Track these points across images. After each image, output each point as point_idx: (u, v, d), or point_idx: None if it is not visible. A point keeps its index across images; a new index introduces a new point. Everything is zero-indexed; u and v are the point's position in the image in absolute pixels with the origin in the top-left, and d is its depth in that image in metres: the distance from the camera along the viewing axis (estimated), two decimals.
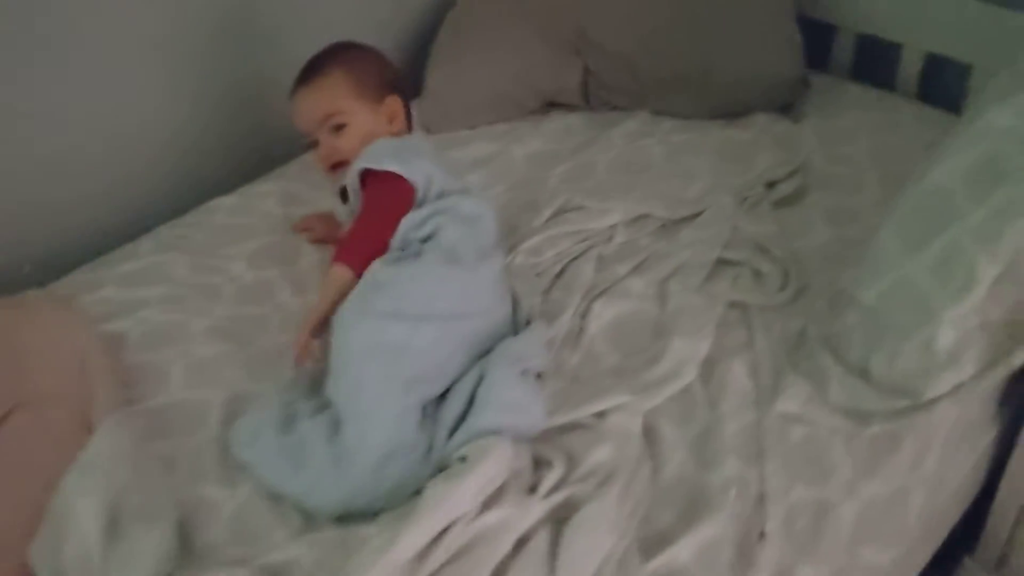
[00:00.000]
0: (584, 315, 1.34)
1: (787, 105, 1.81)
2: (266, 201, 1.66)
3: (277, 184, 1.70)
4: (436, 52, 1.87)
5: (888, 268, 1.08)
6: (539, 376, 1.22)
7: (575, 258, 1.44)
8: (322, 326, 1.22)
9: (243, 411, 1.20)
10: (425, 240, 1.29)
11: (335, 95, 1.37)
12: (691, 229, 1.49)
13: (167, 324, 1.37)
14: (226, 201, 1.66)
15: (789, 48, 1.78)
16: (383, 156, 1.30)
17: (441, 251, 1.27)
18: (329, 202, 1.51)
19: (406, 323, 1.16)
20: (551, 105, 1.88)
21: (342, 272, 1.23)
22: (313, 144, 1.41)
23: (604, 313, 1.34)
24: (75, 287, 1.46)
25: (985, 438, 1.40)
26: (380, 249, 1.26)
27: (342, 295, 1.20)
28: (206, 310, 1.40)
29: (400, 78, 1.47)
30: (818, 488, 1.12)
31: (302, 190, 1.67)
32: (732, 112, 1.80)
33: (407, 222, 1.27)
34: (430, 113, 1.85)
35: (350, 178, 1.31)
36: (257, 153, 1.79)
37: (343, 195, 1.37)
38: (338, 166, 1.38)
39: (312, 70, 1.40)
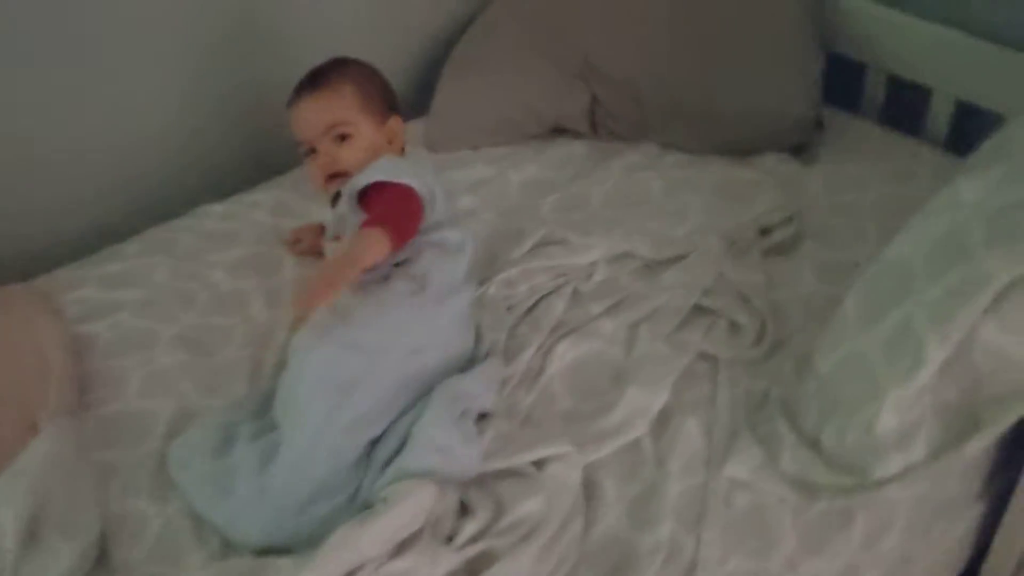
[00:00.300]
0: (547, 353, 1.32)
1: (800, 146, 1.75)
2: (256, 211, 1.67)
3: (270, 194, 1.71)
4: (446, 73, 1.86)
5: (844, 338, 1.03)
6: (485, 416, 1.20)
7: (549, 293, 1.42)
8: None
9: (187, 427, 1.21)
10: (397, 264, 1.28)
11: (343, 105, 1.37)
12: (674, 271, 1.45)
13: (137, 330, 1.39)
14: (217, 208, 1.68)
15: (805, 84, 1.73)
16: (398, 171, 1.28)
17: (410, 278, 1.26)
18: (321, 215, 1.52)
19: (363, 356, 1.15)
20: (557, 131, 1.86)
21: (380, 236, 1.17)
22: (308, 152, 1.39)
23: (567, 353, 1.31)
24: (58, 284, 1.49)
25: (969, 514, 1.33)
26: (413, 233, 1.26)
27: (375, 262, 1.18)
28: (177, 317, 1.42)
29: (398, 101, 1.47)
30: (757, 560, 1.08)
31: (294, 201, 1.68)
32: (739, 149, 1.75)
33: None
34: (435, 132, 1.84)
35: (350, 187, 1.29)
36: (253, 160, 1.80)
37: (334, 200, 1.36)
38: (335, 177, 1.37)
39: (319, 78, 1.40)
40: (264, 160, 1.79)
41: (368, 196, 1.28)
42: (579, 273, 1.46)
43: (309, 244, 1.53)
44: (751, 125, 1.73)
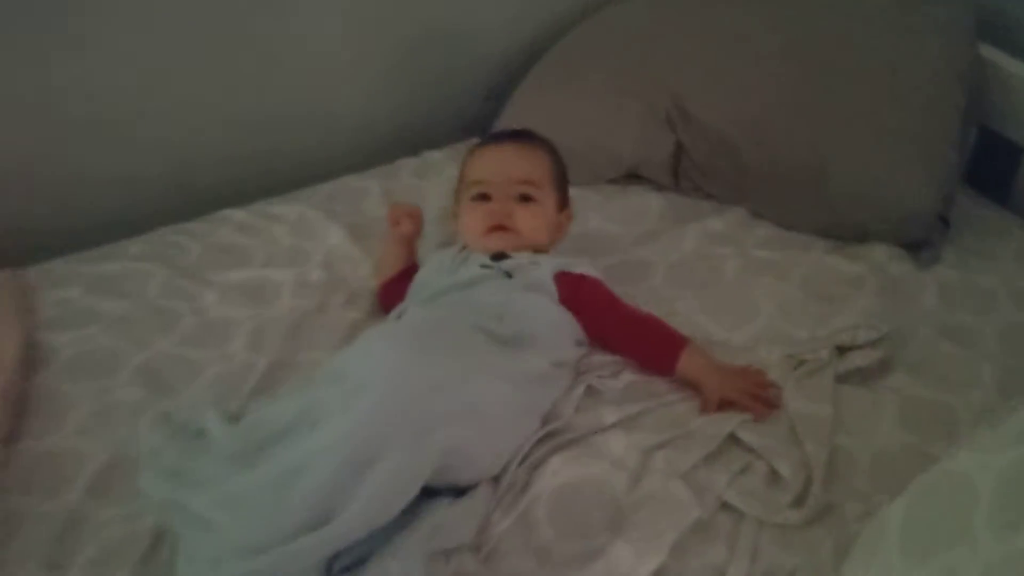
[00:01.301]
0: (536, 467, 1.11)
1: (919, 242, 1.45)
2: (276, 225, 1.53)
3: (294, 208, 1.56)
4: (516, 97, 1.66)
5: (878, 567, 0.77)
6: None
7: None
8: None
9: (111, 483, 1.08)
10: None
11: (543, 170, 1.36)
12: None
13: (102, 351, 1.27)
14: (238, 215, 1.55)
15: (934, 170, 1.43)
16: (592, 267, 1.32)
17: None
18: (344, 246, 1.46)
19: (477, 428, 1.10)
20: (634, 178, 1.62)
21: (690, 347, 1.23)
22: (478, 197, 1.34)
23: (560, 472, 1.10)
24: (47, 278, 1.40)
25: None
26: None
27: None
28: (149, 342, 1.29)
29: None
30: None
31: (318, 219, 1.53)
32: (845, 234, 1.47)
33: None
34: None
35: (557, 265, 1.28)
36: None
37: (495, 258, 1.31)
38: (498, 230, 1.31)
39: (523, 135, 1.40)
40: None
41: (579, 285, 1.27)
42: (603, 366, 1.24)
43: (408, 231, 1.42)
44: (860, 209, 1.45)
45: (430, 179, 1.66)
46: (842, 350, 1.25)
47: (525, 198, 1.32)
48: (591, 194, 1.59)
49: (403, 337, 1.10)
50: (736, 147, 1.51)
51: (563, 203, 1.39)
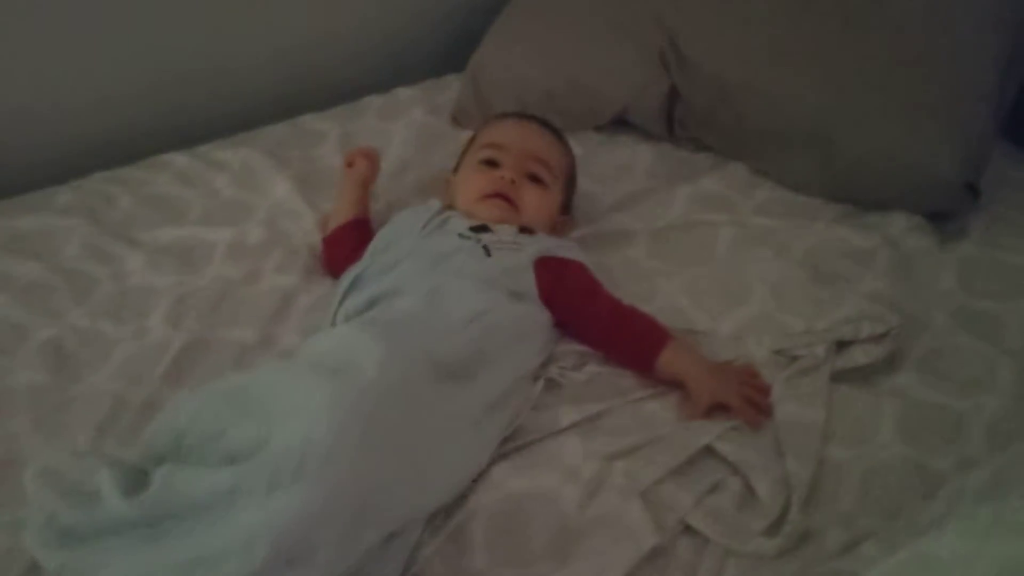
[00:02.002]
0: (478, 476, 0.98)
1: (943, 212, 1.28)
2: (219, 175, 1.39)
3: (238, 153, 1.42)
4: (494, 29, 1.47)
5: None
6: None
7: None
8: None
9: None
10: None
11: (562, 162, 1.27)
12: None
13: (7, 322, 1.16)
14: (179, 160, 1.41)
15: (960, 131, 1.24)
16: (582, 254, 1.20)
17: None
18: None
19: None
20: (622, 125, 1.45)
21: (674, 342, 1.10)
22: (487, 163, 1.23)
23: (504, 483, 0.98)
24: None
25: None
26: None
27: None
28: (61, 313, 1.18)
29: None
30: None
31: (265, 167, 1.39)
32: (860, 198, 1.30)
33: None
34: (467, 102, 1.48)
35: (542, 247, 1.16)
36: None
37: (478, 230, 1.17)
38: (497, 198, 1.19)
39: (552, 126, 1.30)
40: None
41: (561, 273, 1.14)
42: (566, 356, 1.10)
43: (363, 172, 1.30)
44: (878, 174, 1.27)
45: (396, 121, 1.50)
46: (842, 344, 1.10)
47: (536, 179, 1.21)
48: (572, 143, 1.42)
49: (347, 406, 0.87)
50: (735, 94, 1.33)
51: (566, 207, 1.28)
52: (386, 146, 1.43)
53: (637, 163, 1.41)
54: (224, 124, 1.49)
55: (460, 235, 1.13)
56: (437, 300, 1.04)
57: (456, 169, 1.28)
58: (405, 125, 1.48)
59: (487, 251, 1.11)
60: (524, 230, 1.17)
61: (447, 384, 0.95)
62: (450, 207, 1.22)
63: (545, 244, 1.15)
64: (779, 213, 1.31)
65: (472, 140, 1.29)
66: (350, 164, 1.30)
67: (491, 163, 1.21)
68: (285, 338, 1.16)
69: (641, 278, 1.21)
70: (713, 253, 1.25)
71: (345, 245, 1.22)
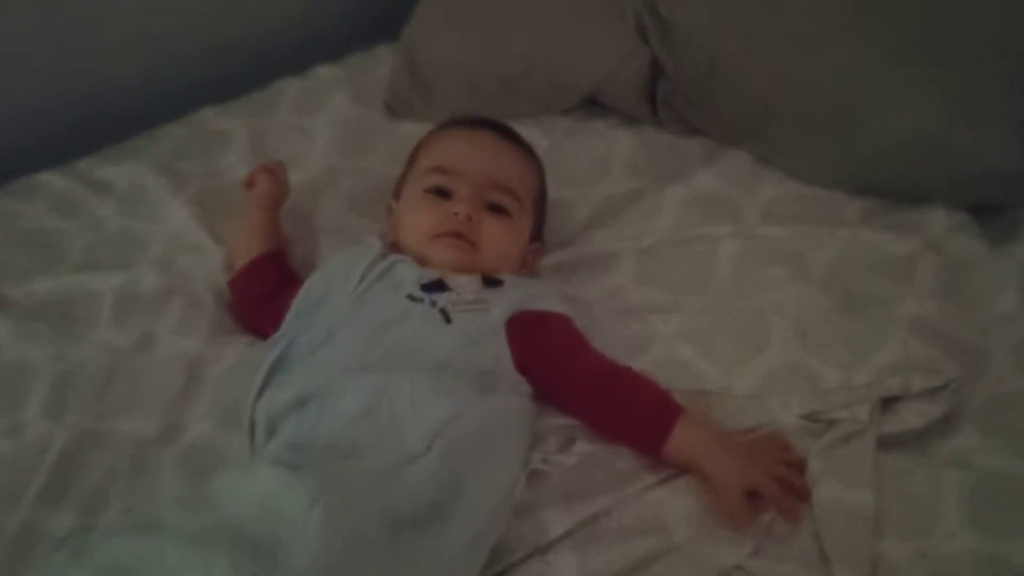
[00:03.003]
0: None
1: (995, 206, 1.07)
2: (104, 200, 1.15)
3: (128, 170, 1.18)
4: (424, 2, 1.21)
5: None
6: None
7: None
8: None
9: None
10: None
11: (529, 184, 1.05)
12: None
13: None
14: (55, 183, 1.18)
15: (1019, 113, 1.03)
16: (560, 302, 0.97)
17: None
18: None
19: None
20: (595, 107, 1.21)
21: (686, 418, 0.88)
22: (432, 191, 1.00)
23: None
24: None
25: None
26: None
27: None
28: None
29: None
30: None
31: (157, 189, 1.14)
32: (890, 190, 1.09)
33: None
34: (401, 86, 1.23)
35: (516, 300, 0.93)
36: None
37: (431, 288, 0.93)
38: (451, 239, 0.97)
39: (514, 136, 1.08)
40: None
41: (538, 331, 0.92)
42: (549, 434, 0.90)
43: (266, 196, 1.07)
44: (911, 160, 1.06)
45: (317, 115, 1.25)
46: (887, 400, 0.90)
47: (497, 209, 0.99)
48: (535, 133, 1.19)
49: None
50: (731, 66, 1.12)
51: (536, 233, 1.07)
52: (307, 150, 1.20)
53: (615, 155, 1.18)
54: (105, 130, 1.22)
55: (410, 296, 0.90)
56: (387, 408, 0.81)
57: (397, 193, 1.05)
58: (328, 119, 1.24)
59: (445, 316, 0.89)
60: (489, 281, 0.94)
61: (409, 537, 0.73)
62: (394, 245, 0.99)
63: (517, 295, 0.93)
64: (792, 215, 1.09)
65: (415, 156, 1.06)
66: (251, 184, 1.07)
67: (441, 192, 0.98)
68: (194, 426, 0.93)
69: (630, 317, 0.99)
70: (715, 276, 1.04)
71: (257, 290, 1.00)
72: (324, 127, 1.22)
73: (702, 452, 0.85)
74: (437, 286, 0.91)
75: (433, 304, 0.89)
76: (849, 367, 0.93)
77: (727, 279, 1.03)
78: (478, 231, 0.97)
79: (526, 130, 1.17)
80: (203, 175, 1.17)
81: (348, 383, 0.82)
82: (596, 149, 1.18)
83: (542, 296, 0.94)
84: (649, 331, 0.98)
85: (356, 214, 1.10)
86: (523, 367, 0.89)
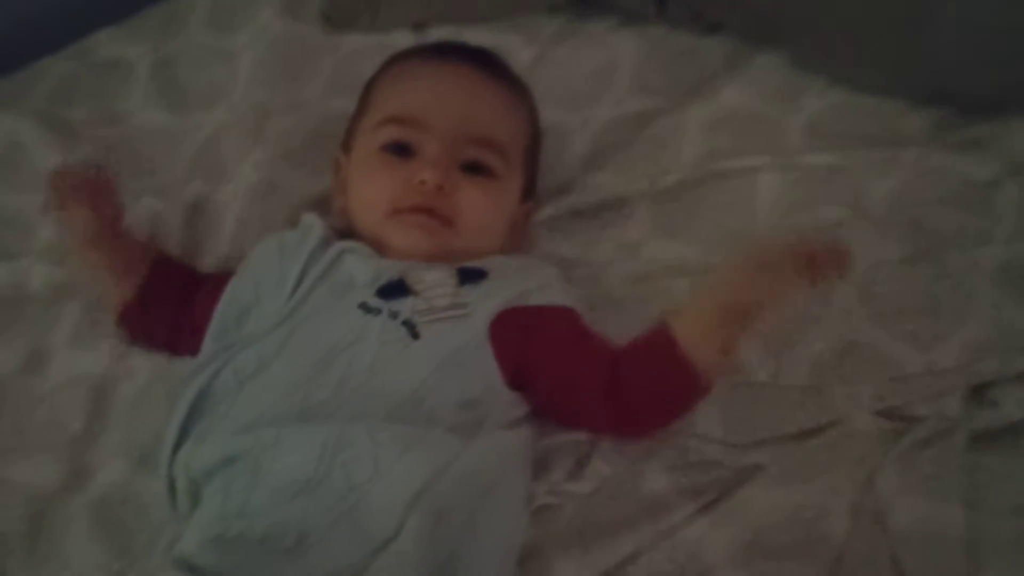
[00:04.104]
0: None
1: None
2: None
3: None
4: None
5: None
6: None
7: None
8: None
9: None
10: None
11: (517, 133, 0.84)
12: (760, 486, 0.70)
13: None
14: None
15: None
16: (563, 291, 0.78)
17: None
18: None
19: None
20: (588, 2, 0.98)
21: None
22: (394, 148, 0.79)
23: None
24: None
25: None
26: None
27: None
28: None
29: None
30: None
31: (40, 144, 0.92)
32: (964, 100, 0.88)
33: None
34: None
35: (479, 316, 0.72)
36: None
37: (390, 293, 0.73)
38: (421, 215, 0.77)
39: (499, 66, 0.87)
40: None
41: (531, 328, 0.73)
42: (558, 456, 0.73)
43: (85, 227, 0.77)
44: (992, 59, 0.85)
45: (237, 32, 1.03)
46: (979, 385, 0.73)
47: (477, 168, 0.79)
48: (514, 42, 0.97)
49: None
50: None
51: (527, 191, 0.86)
52: (227, 81, 0.98)
53: (619, 65, 0.96)
54: None
55: (364, 306, 0.71)
56: (341, 476, 0.62)
57: (347, 144, 0.84)
58: (253, 38, 1.01)
59: (412, 331, 0.69)
60: (468, 274, 0.74)
61: None
62: (345, 228, 0.80)
63: (506, 288, 0.73)
64: (842, 134, 0.89)
65: (366, 98, 0.85)
66: (62, 206, 0.78)
67: (402, 150, 0.78)
68: (104, 469, 0.76)
69: (648, 288, 0.81)
70: (753, 222, 0.85)
71: (161, 321, 0.79)
72: (248, 48, 1.00)
73: (721, 306, 0.67)
74: (398, 289, 0.71)
75: (394, 315, 0.70)
76: (931, 344, 0.75)
77: (767, 225, 0.84)
78: (453, 202, 0.77)
79: (503, 38, 0.98)
80: (99, 122, 0.95)
81: (287, 437, 0.63)
82: (593, 59, 0.97)
83: (539, 286, 0.75)
84: (673, 301, 0.79)
85: (292, 166, 0.89)
86: (517, 382, 0.71)
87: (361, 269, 0.73)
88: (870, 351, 0.75)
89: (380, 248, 0.76)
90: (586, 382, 0.71)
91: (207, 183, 0.90)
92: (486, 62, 0.84)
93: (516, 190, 0.82)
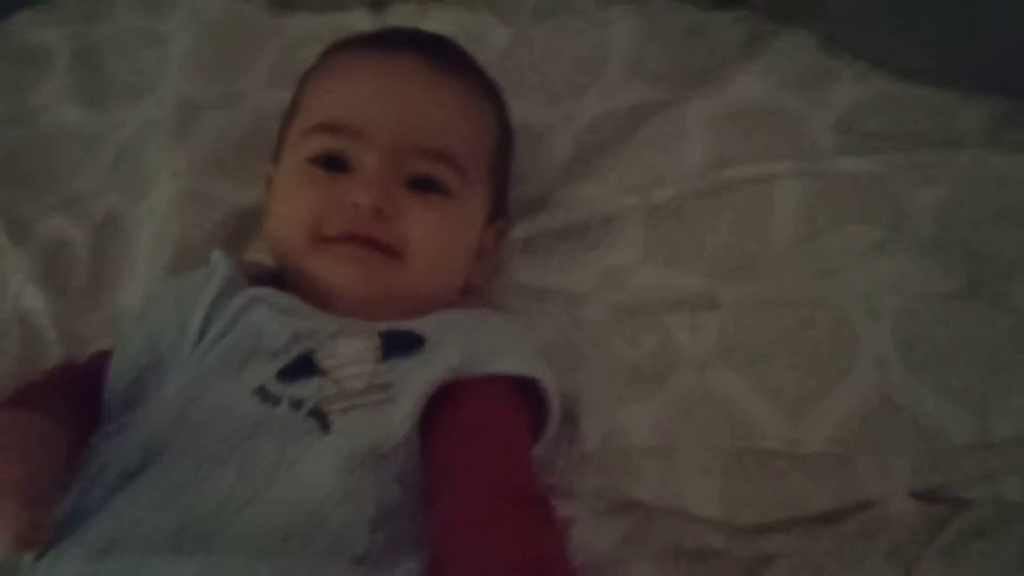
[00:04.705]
0: None
1: None
2: None
3: None
4: None
5: None
6: None
7: None
8: None
9: None
10: None
11: (475, 138, 0.70)
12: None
13: None
14: None
15: None
16: (529, 355, 0.63)
17: None
18: None
19: None
20: None
21: None
22: (323, 160, 0.66)
23: None
24: None
25: None
26: None
27: None
28: None
29: None
30: None
31: None
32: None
33: None
34: None
35: (422, 375, 0.58)
36: None
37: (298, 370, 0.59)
38: (355, 245, 0.63)
39: (453, 54, 0.73)
40: None
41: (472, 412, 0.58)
42: None
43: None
44: None
45: (169, 15, 0.90)
46: None
47: (427, 185, 0.66)
48: (487, 22, 0.86)
49: None
50: None
51: (496, 207, 0.74)
52: (156, 69, 0.87)
53: (610, 49, 0.82)
54: None
55: (261, 392, 0.56)
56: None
57: (277, 156, 0.72)
58: (186, 19, 0.89)
59: (322, 422, 0.55)
60: (395, 341, 0.59)
61: None
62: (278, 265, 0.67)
63: (447, 357, 0.58)
64: (881, 133, 0.75)
65: (297, 98, 0.72)
66: None
67: (334, 163, 0.66)
68: None
69: (639, 322, 0.68)
70: (769, 244, 0.71)
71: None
72: (181, 31, 0.87)
73: None
74: (303, 368, 0.57)
75: (297, 405, 0.56)
76: (986, 408, 0.61)
77: (787, 249, 0.71)
78: (399, 229, 0.64)
79: (474, 18, 0.85)
80: (8, 121, 0.84)
81: (149, 571, 0.49)
82: (580, 41, 0.83)
83: (491, 350, 0.60)
84: (669, 346, 0.66)
85: (220, 174, 0.77)
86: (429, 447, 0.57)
87: (271, 328, 0.59)
88: (908, 415, 0.61)
89: (308, 291, 0.63)
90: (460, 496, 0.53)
91: (123, 195, 0.78)
92: (441, 52, 0.70)
93: (479, 209, 0.69)
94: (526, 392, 0.62)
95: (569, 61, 0.82)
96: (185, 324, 0.61)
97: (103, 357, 0.63)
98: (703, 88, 0.79)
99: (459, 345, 0.59)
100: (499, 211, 0.73)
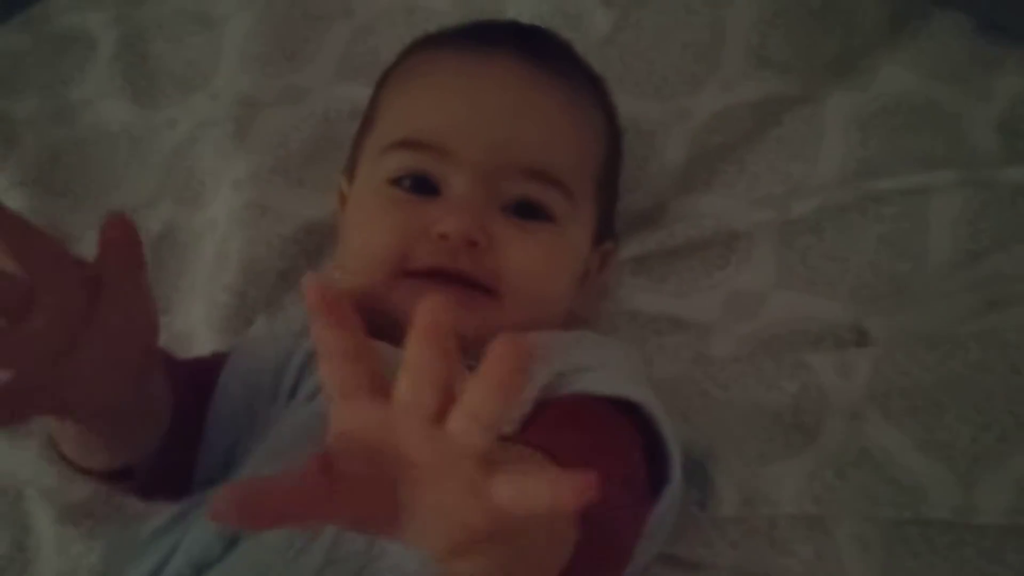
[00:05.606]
0: None
1: None
2: None
3: None
4: None
5: None
6: None
7: None
8: None
9: None
10: None
11: (582, 154, 0.62)
12: None
13: None
14: None
15: None
16: (630, 375, 0.56)
17: None
18: None
19: None
20: None
21: None
22: (408, 182, 0.58)
23: None
24: None
25: None
26: None
27: None
28: None
29: None
30: None
31: None
32: None
33: None
34: None
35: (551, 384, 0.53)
36: None
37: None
38: (445, 283, 0.56)
39: (561, 59, 0.64)
40: None
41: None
42: None
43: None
44: None
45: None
46: None
47: (528, 210, 0.58)
48: (587, 3, 0.75)
49: None
50: None
51: (604, 229, 0.65)
52: (209, 60, 0.79)
53: (728, 32, 0.73)
54: None
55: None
56: None
57: (351, 169, 0.64)
58: (239, 2, 0.80)
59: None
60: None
61: None
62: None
63: (534, 376, 0.50)
64: None
65: (374, 105, 0.64)
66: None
67: (420, 185, 0.57)
68: None
69: (773, 360, 0.60)
70: (925, 269, 0.63)
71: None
72: (236, 13, 0.79)
73: None
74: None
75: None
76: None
77: (946, 272, 0.62)
78: (495, 263, 0.56)
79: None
80: (46, 119, 0.77)
81: None
82: (693, 23, 0.73)
83: (582, 366, 0.52)
84: (814, 389, 0.58)
85: (285, 184, 0.69)
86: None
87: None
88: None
89: (387, 327, 0.52)
90: None
91: (178, 206, 0.72)
92: (543, 50, 0.62)
93: (585, 234, 0.61)
94: (639, 433, 0.54)
95: (681, 47, 0.73)
96: (278, 384, 0.54)
97: (220, 361, 0.56)
98: (841, 80, 0.71)
99: (548, 363, 0.51)
100: (606, 231, 0.65)
